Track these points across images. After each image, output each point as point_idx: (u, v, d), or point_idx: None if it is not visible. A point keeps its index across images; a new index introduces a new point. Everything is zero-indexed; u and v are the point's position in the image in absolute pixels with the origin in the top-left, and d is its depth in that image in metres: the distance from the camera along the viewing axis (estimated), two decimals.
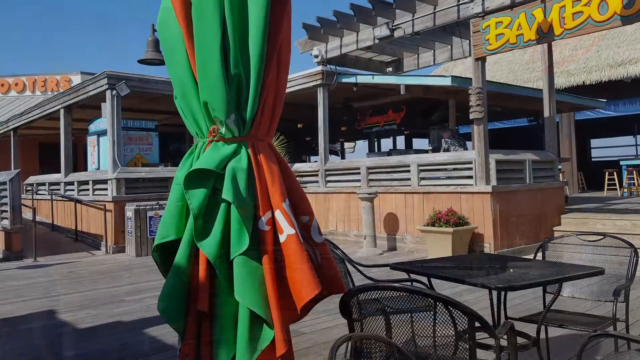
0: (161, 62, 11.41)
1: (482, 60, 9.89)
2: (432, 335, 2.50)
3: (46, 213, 16.33)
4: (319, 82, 12.81)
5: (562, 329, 3.89)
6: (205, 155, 2.43)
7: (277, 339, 2.25)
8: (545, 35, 8.82)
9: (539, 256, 4.25)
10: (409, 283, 3.91)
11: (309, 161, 22.56)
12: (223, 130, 2.43)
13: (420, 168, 10.91)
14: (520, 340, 3.62)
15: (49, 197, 15.71)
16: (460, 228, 9.48)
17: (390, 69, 15.53)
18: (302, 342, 5.07)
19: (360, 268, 4.36)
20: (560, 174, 13.68)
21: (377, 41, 11.77)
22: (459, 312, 2.34)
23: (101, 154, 14.00)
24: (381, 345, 2.18)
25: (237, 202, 2.32)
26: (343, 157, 25.57)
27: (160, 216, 10.08)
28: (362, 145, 28.87)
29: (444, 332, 2.41)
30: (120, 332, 5.69)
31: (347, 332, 2.54)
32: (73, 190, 14.58)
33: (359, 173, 12.24)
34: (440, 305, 2.37)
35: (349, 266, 4.14)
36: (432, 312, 2.42)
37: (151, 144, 14.12)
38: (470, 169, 10.05)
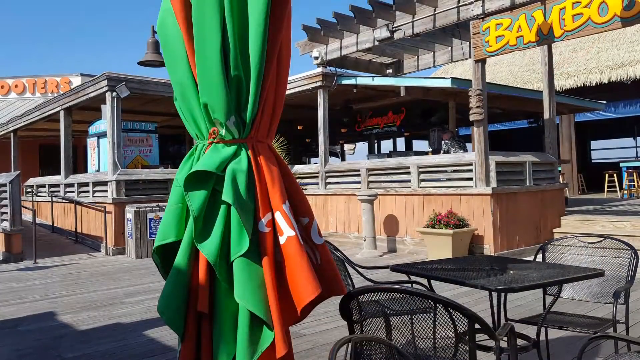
0: (161, 64, 11.41)
1: (482, 61, 9.90)
2: (432, 337, 2.51)
3: (46, 215, 16.34)
4: (319, 83, 12.82)
5: (562, 331, 3.89)
6: (205, 157, 2.43)
7: (277, 340, 2.25)
8: (545, 37, 8.83)
9: (539, 258, 4.25)
10: (409, 285, 3.91)
11: (309, 163, 22.57)
12: (223, 132, 2.43)
13: (420, 170, 10.91)
14: (520, 342, 3.62)
15: (49, 198, 15.72)
16: (460, 230, 9.48)
17: (390, 70, 15.54)
18: (302, 344, 5.08)
19: (360, 270, 4.37)
20: (560, 176, 13.68)
21: (377, 43, 11.78)
22: (459, 313, 2.34)
23: (101, 155, 14.01)
24: (381, 347, 2.18)
25: (237, 203, 2.32)
26: (343, 159, 25.59)
27: (160, 218, 10.10)
28: (362, 147, 28.89)
29: (444, 333, 2.41)
30: (120, 334, 5.69)
31: (347, 334, 2.54)
32: (73, 192, 14.58)
33: (359, 175, 12.24)
34: (440, 307, 2.37)
35: (349, 268, 4.14)
36: (432, 314, 2.42)
37: (151, 146, 14.12)
38: (470, 170, 10.05)
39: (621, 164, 18.24)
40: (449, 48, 14.04)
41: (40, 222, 15.42)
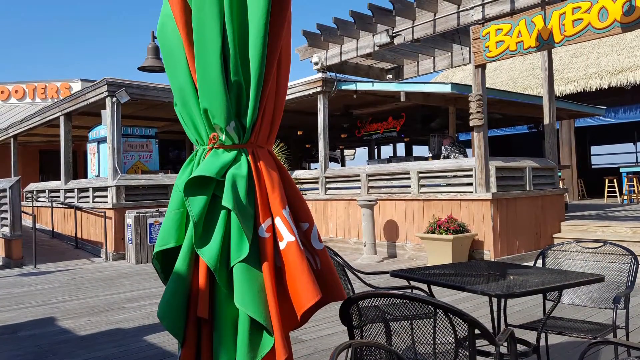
0: (161, 69, 11.44)
1: (482, 67, 9.91)
2: (432, 342, 2.50)
3: (46, 220, 16.33)
4: (319, 89, 12.83)
5: (562, 336, 3.89)
6: (205, 162, 2.43)
7: (277, 346, 2.25)
8: (545, 42, 8.84)
9: (539, 263, 4.25)
10: (409, 290, 3.91)
11: (309, 168, 22.60)
12: (223, 137, 2.44)
13: (420, 175, 10.91)
14: (520, 347, 3.62)
15: (49, 204, 15.72)
16: (460, 235, 9.48)
17: (390, 76, 15.56)
18: (303, 349, 5.07)
19: (360, 275, 4.36)
20: (560, 181, 13.68)
21: (377, 48, 11.80)
22: (459, 319, 2.34)
23: (101, 161, 14.02)
24: (381, 353, 2.18)
25: (237, 209, 2.32)
26: (343, 164, 25.61)
27: (160, 223, 10.09)
28: (362, 152, 28.96)
29: (444, 339, 2.41)
30: (120, 339, 5.68)
31: (347, 339, 2.54)
32: (73, 197, 14.58)
33: (359, 180, 12.24)
34: (440, 313, 2.37)
35: (349, 273, 4.14)
36: (432, 320, 2.42)
37: (151, 151, 14.13)
38: (470, 176, 10.06)
39: (621, 169, 18.24)
40: (449, 53, 14.07)
41: (40, 228, 15.42)
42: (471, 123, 9.84)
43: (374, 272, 4.59)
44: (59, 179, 15.49)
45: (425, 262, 10.11)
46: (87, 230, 13.56)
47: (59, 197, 15.50)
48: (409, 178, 11.13)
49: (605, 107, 17.02)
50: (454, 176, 10.45)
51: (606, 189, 18.48)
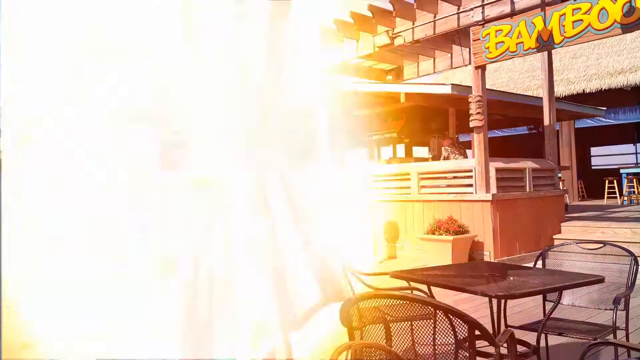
0: None
1: (482, 68, 9.91)
2: (432, 343, 2.51)
3: None
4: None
5: (562, 337, 3.89)
6: None
7: (278, 346, 2.25)
8: (545, 43, 8.84)
9: (539, 264, 4.25)
10: (409, 291, 3.91)
11: None
12: None
13: (420, 176, 10.90)
14: (520, 348, 3.62)
15: None
16: (460, 236, 9.47)
17: (390, 77, 15.56)
18: (302, 350, 5.06)
19: (360, 276, 4.36)
20: (560, 182, 13.68)
21: (377, 49, 11.80)
22: (459, 320, 2.34)
23: None
24: (381, 354, 2.18)
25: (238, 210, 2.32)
26: None
27: None
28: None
29: (444, 340, 2.41)
30: None
31: (347, 340, 2.54)
32: None
33: None
34: (440, 314, 2.37)
35: (349, 274, 4.14)
36: (432, 321, 2.42)
37: None
38: (471, 177, 10.05)
39: (621, 170, 18.22)
40: (449, 54, 14.07)
41: None
42: (471, 124, 9.85)
43: (373, 273, 4.59)
44: None
45: (425, 263, 10.10)
46: None
47: None
48: (409, 179, 11.12)
49: (605, 108, 17.01)
50: (454, 177, 10.44)
51: (606, 190, 18.47)
